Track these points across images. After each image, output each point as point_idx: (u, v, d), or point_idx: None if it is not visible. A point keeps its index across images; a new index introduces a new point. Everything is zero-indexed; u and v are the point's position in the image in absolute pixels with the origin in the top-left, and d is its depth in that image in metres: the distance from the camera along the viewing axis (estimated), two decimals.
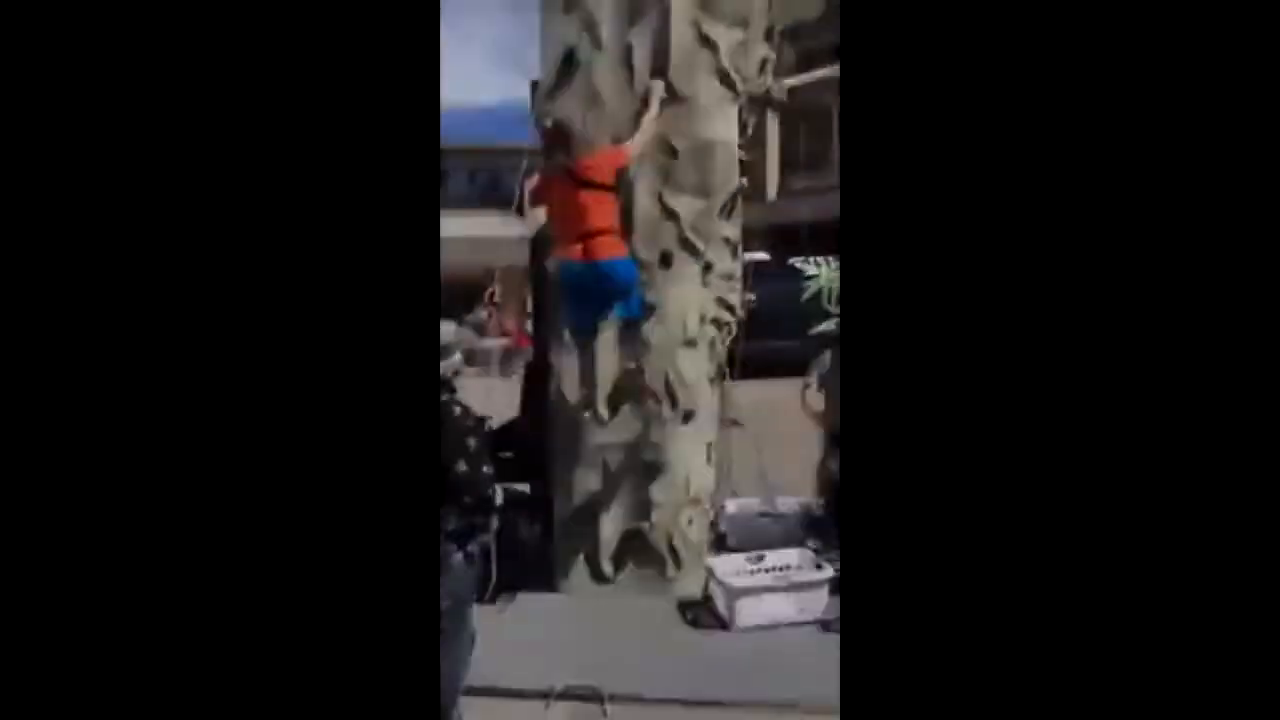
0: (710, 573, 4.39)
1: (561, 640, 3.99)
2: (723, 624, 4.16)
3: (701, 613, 4.29)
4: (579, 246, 4.11)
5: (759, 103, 5.01)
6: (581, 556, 4.60)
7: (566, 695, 3.44)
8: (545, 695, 3.43)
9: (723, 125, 4.61)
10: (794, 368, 5.51)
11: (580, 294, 4.28)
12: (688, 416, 4.58)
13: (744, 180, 4.81)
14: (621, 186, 4.33)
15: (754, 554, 4.51)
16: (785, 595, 4.15)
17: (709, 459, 4.77)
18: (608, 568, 4.58)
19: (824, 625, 4.04)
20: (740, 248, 4.97)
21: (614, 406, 4.59)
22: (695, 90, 4.52)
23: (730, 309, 4.83)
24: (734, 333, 4.94)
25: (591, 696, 3.42)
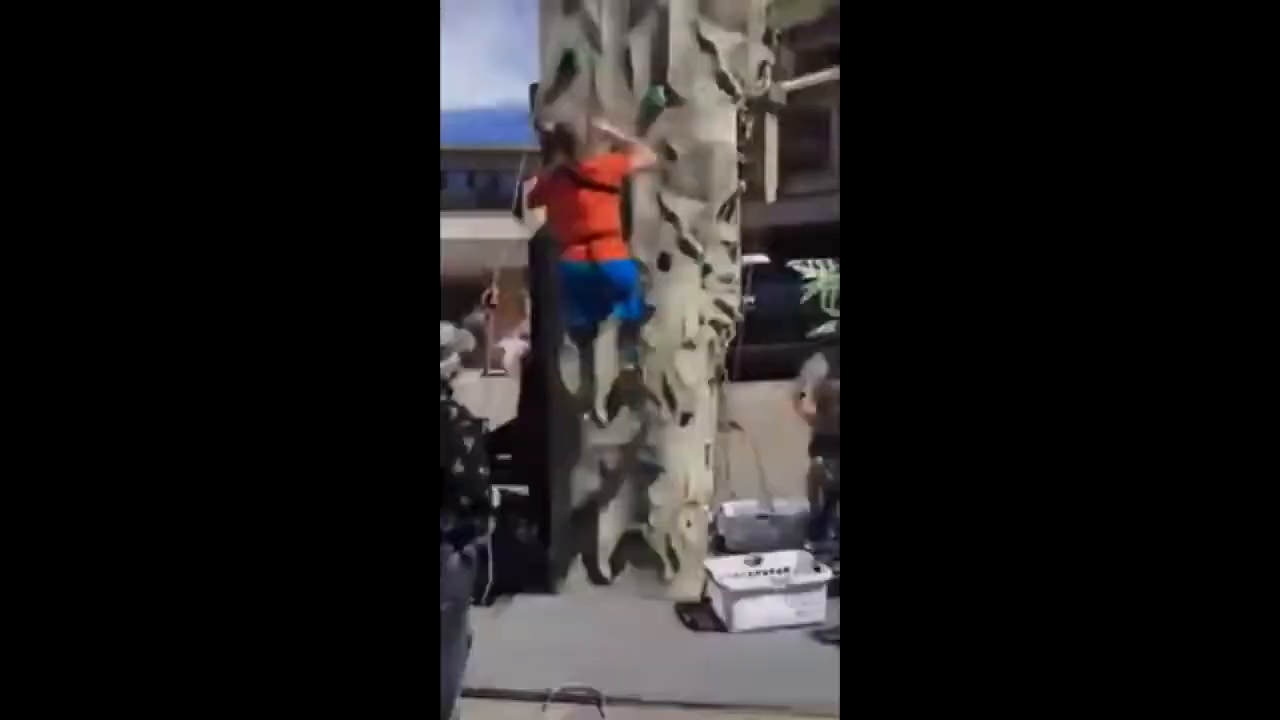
0: (708, 575, 4.38)
1: (559, 642, 3.97)
2: (721, 626, 4.15)
3: (699, 615, 4.28)
4: (581, 247, 4.11)
5: (758, 106, 5.02)
6: (579, 558, 4.60)
7: (564, 697, 3.43)
8: (543, 697, 3.42)
9: (722, 128, 4.62)
10: (793, 370, 5.51)
11: (581, 295, 4.28)
12: (686, 419, 4.58)
13: (743, 183, 4.82)
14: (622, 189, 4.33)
15: (752, 556, 4.50)
16: (783, 597, 4.13)
17: (707, 461, 4.78)
18: (606, 569, 4.58)
19: (820, 637, 3.94)
20: (739, 250, 4.97)
21: (613, 408, 4.59)
22: (694, 93, 4.53)
23: (729, 311, 4.83)
24: (733, 335, 4.95)
25: (589, 698, 3.42)
